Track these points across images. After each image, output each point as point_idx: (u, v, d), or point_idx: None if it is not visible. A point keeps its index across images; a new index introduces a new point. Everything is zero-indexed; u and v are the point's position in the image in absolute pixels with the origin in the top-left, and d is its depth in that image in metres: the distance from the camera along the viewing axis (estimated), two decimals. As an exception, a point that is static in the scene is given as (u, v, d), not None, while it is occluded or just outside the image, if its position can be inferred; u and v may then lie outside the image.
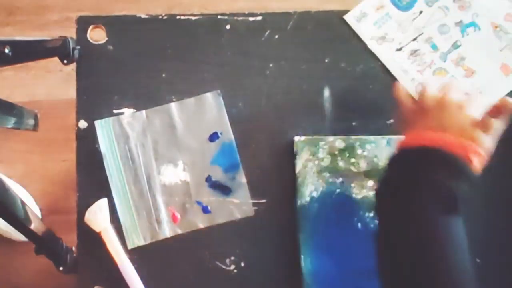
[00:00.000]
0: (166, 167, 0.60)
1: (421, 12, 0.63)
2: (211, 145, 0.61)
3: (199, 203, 0.60)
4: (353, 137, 0.60)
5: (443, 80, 0.60)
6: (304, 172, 0.60)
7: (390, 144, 0.60)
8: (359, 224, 0.59)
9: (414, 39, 0.63)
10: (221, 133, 0.61)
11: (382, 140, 0.60)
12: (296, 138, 0.60)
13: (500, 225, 0.61)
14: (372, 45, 0.63)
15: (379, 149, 0.60)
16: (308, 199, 0.59)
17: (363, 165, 0.60)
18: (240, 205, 0.60)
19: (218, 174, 0.61)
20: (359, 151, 0.60)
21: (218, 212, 0.60)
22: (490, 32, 0.62)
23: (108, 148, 0.60)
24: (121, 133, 0.60)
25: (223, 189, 0.60)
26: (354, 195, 0.59)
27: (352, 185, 0.60)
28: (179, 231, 0.60)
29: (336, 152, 0.60)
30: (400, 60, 0.63)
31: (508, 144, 0.62)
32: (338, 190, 0.60)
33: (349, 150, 0.60)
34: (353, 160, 0.60)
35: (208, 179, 0.61)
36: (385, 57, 0.63)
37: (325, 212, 0.59)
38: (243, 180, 0.61)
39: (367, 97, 0.63)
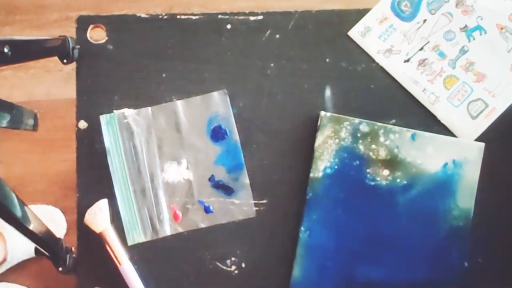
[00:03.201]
0: (169, 165, 0.60)
1: (425, 20, 0.63)
2: (216, 144, 0.61)
3: (201, 202, 0.60)
4: (378, 123, 0.60)
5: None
6: (323, 148, 0.60)
7: (414, 138, 0.60)
8: (365, 210, 0.59)
9: (421, 49, 0.62)
10: (227, 133, 0.61)
11: (407, 132, 0.60)
12: (322, 113, 0.60)
13: (500, 224, 0.61)
14: (380, 59, 0.62)
15: (402, 141, 0.60)
16: (321, 173, 0.59)
17: (382, 154, 0.60)
18: (242, 206, 0.60)
19: (221, 174, 0.60)
20: (381, 139, 0.60)
21: (219, 212, 0.60)
22: (496, 34, 0.62)
23: (112, 143, 0.60)
24: (126, 128, 0.60)
25: (225, 190, 0.60)
26: (366, 181, 0.59)
27: (368, 170, 0.60)
28: (180, 230, 0.60)
29: (359, 135, 0.60)
30: (409, 72, 0.62)
31: (508, 145, 0.61)
32: (352, 172, 0.60)
33: (372, 135, 0.60)
34: (373, 146, 0.60)
35: (211, 178, 0.60)
36: (394, 69, 0.62)
37: (334, 190, 0.59)
38: (246, 181, 0.60)
39: (368, 96, 0.62)
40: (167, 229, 0.60)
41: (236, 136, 0.61)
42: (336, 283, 0.59)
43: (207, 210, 0.60)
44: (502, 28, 0.62)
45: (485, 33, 0.62)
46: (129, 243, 0.59)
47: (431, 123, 0.62)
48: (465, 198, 0.59)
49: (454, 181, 0.59)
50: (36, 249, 0.77)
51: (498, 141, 0.61)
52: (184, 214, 0.60)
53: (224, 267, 0.60)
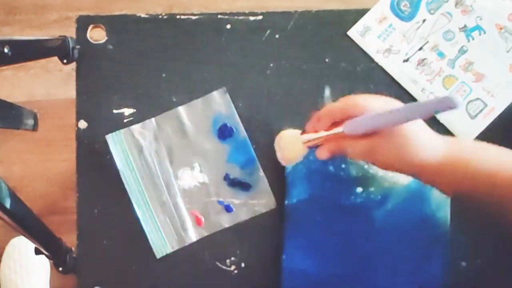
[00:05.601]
0: (183, 171, 0.60)
1: (424, 20, 0.63)
2: (224, 143, 0.61)
3: (220, 202, 0.60)
4: None
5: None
6: (294, 174, 0.59)
7: None
8: (344, 228, 0.59)
9: (420, 49, 0.62)
10: (234, 130, 0.61)
11: None
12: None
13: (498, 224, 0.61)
14: (379, 59, 0.62)
15: None
16: (295, 200, 0.59)
17: (352, 171, 0.59)
18: (261, 199, 0.60)
19: (235, 172, 0.60)
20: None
21: (241, 209, 0.60)
22: (495, 34, 0.62)
23: (124, 162, 0.59)
24: (134, 144, 0.60)
25: (242, 186, 0.60)
26: (341, 201, 0.59)
27: (341, 190, 0.59)
28: (205, 233, 0.60)
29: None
30: (408, 71, 0.62)
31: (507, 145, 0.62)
32: (326, 195, 0.59)
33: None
34: (343, 165, 0.59)
35: (226, 177, 0.60)
36: (393, 69, 0.62)
37: (311, 215, 0.59)
38: (261, 173, 0.60)
39: (368, 96, 0.62)
40: (192, 235, 0.59)
41: (243, 132, 0.61)
42: None
43: (228, 209, 0.60)
44: (501, 28, 0.62)
45: (484, 33, 0.62)
46: (158, 256, 0.59)
47: (430, 123, 0.61)
48: (440, 205, 0.58)
49: (426, 190, 0.58)
50: (36, 249, 0.77)
51: (497, 141, 0.61)
52: (206, 217, 0.60)
53: (224, 267, 0.60)
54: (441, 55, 0.62)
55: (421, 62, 0.62)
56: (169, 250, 0.59)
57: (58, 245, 0.79)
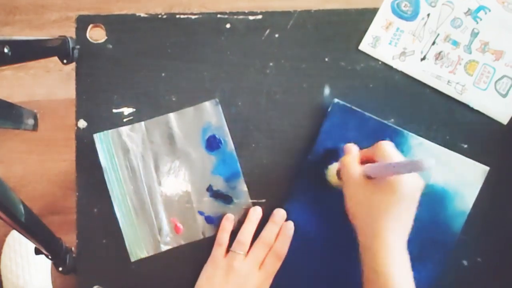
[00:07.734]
0: (167, 178, 0.60)
1: (428, 15, 0.62)
2: (211, 154, 0.61)
3: (201, 213, 0.60)
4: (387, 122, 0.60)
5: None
6: (328, 135, 0.60)
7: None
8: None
9: (433, 43, 0.62)
10: (222, 142, 0.61)
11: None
12: (336, 100, 0.61)
13: (500, 223, 0.61)
14: (397, 64, 0.62)
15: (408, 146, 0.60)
16: (318, 159, 0.60)
17: None
18: (242, 213, 0.60)
19: (219, 184, 0.60)
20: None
21: (220, 221, 0.60)
22: (499, 9, 0.62)
23: (108, 161, 0.59)
24: (121, 145, 0.60)
25: (224, 199, 0.60)
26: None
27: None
28: (182, 242, 0.60)
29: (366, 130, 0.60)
30: (429, 69, 0.62)
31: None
32: None
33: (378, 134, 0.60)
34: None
35: (209, 188, 0.60)
36: (413, 70, 0.62)
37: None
38: (244, 188, 0.60)
39: (367, 96, 0.62)
40: (168, 243, 0.59)
41: (231, 145, 0.61)
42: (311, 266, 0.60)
43: (207, 220, 0.60)
44: (503, 2, 0.61)
45: (490, 11, 0.62)
46: (132, 259, 0.59)
47: (462, 113, 0.61)
48: (457, 216, 0.59)
49: (450, 196, 0.59)
50: (36, 249, 0.77)
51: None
52: (185, 226, 0.60)
53: (224, 266, 0.60)
54: (455, 43, 0.62)
55: (438, 56, 0.62)
56: (144, 254, 0.59)
57: (58, 245, 0.79)
